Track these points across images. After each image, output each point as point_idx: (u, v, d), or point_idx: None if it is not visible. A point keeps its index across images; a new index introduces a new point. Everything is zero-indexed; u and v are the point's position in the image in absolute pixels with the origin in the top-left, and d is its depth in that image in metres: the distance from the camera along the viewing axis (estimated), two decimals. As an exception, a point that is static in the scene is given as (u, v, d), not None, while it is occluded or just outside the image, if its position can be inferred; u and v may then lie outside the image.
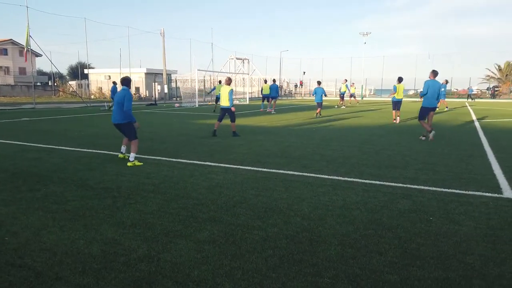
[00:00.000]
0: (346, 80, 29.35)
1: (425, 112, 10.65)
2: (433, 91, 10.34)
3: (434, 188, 5.48)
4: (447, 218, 4.27)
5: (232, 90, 11.08)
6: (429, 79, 10.53)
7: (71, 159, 7.45)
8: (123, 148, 7.68)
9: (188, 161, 7.30)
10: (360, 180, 5.93)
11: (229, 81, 11.27)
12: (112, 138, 10.51)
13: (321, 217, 4.27)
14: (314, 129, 13.31)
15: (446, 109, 24.34)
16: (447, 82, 23.08)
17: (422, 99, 10.75)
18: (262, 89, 22.83)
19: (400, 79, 16.06)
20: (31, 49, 25.74)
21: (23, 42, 24.37)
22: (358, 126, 14.78)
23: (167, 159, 7.52)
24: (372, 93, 59.67)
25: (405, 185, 5.65)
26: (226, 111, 11.22)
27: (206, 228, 3.90)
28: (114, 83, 21.09)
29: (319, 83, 19.01)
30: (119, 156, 7.64)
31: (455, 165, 7.13)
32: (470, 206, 4.68)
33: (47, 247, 3.43)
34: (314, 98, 18.56)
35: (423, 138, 10.67)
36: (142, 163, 6.99)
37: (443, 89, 23.63)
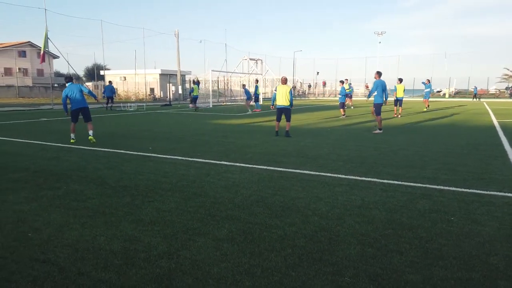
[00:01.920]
0: (347, 80, 29.76)
1: (379, 107, 12.14)
2: (382, 90, 12.10)
3: (454, 188, 5.38)
4: (469, 218, 4.18)
5: (291, 89, 11.18)
6: (375, 79, 12.39)
7: (90, 158, 7.57)
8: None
9: (204, 160, 7.34)
10: (378, 180, 5.86)
11: (285, 81, 11.32)
12: (129, 138, 10.65)
13: (339, 216, 4.24)
14: (329, 129, 13.22)
15: (425, 109, 23.76)
16: (429, 81, 23.08)
17: (374, 98, 12.28)
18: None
19: (400, 80, 18.95)
20: (48, 51, 26.24)
21: (41, 44, 24.85)
22: (373, 126, 14.63)
23: (184, 158, 7.57)
24: (388, 93, 58.92)
25: (424, 185, 5.56)
26: (283, 111, 11.11)
27: (224, 226, 3.91)
28: (110, 82, 26.51)
29: (342, 82, 19.70)
30: None
31: (475, 165, 6.99)
32: (492, 207, 4.58)
33: (69, 243, 3.49)
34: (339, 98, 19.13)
35: (379, 131, 11.99)
36: None
37: (428, 89, 23.37)
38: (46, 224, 3.96)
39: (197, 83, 25.26)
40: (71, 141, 9.59)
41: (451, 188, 5.39)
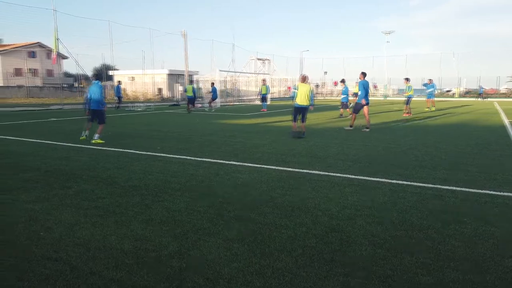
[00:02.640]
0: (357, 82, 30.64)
1: (359, 106, 12.62)
2: (366, 89, 12.48)
3: (466, 189, 5.32)
4: (482, 219, 4.13)
5: (312, 88, 11.22)
6: (360, 80, 12.79)
7: (100, 157, 7.62)
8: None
9: (213, 160, 7.35)
10: (387, 180, 5.82)
11: (305, 79, 11.04)
12: (137, 138, 10.70)
13: (350, 217, 4.21)
14: (338, 129, 13.16)
15: (427, 109, 23.47)
16: (431, 81, 23.42)
17: (357, 97, 12.84)
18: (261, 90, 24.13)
19: (407, 79, 19.68)
20: (58, 52, 26.50)
21: (50, 45, 25.18)
22: (383, 126, 14.54)
23: (193, 158, 7.59)
24: (396, 92, 58.62)
25: (435, 186, 5.51)
26: (301, 111, 10.78)
27: (234, 226, 3.91)
28: (119, 82, 27.27)
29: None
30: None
31: (487, 166, 6.90)
32: (506, 208, 4.52)
33: (80, 242, 3.52)
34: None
35: (367, 130, 12.43)
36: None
37: (432, 89, 23.33)
38: (57, 223, 3.99)
39: (190, 82, 25.28)
40: (81, 138, 9.78)
41: (463, 189, 5.33)
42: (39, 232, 3.76)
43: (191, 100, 22.05)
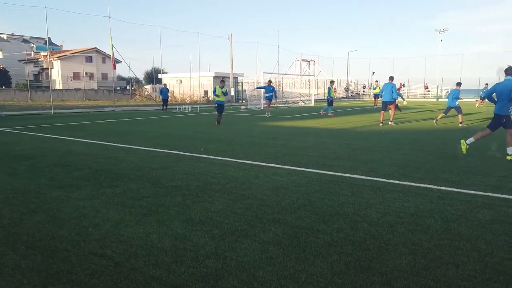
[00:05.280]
0: (377, 81, 30.94)
1: (384, 104, 15.16)
2: (387, 90, 14.87)
3: (521, 198, 4.95)
4: (538, 231, 3.83)
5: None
6: (387, 82, 15.22)
7: (146, 158, 7.96)
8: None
9: (253, 162, 7.41)
10: (435, 187, 5.56)
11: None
12: (182, 139, 11.04)
13: (390, 224, 4.08)
14: (384, 132, 12.76)
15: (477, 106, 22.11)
16: (459, 84, 21.42)
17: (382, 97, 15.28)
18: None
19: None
20: (115, 58, 28.07)
21: (106, 50, 26.82)
22: (434, 129, 13.90)
23: (234, 160, 7.70)
24: (449, 93, 55.75)
25: (486, 194, 5.18)
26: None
27: (270, 229, 3.93)
28: (165, 85, 27.98)
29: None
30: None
31: (547, 173, 6.38)
32: None
33: (124, 239, 3.70)
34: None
35: (392, 123, 15.09)
36: None
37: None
38: (104, 220, 4.23)
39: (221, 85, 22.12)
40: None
41: (517, 198, 4.97)
42: (88, 228, 4.00)
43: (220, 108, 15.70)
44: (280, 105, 34.82)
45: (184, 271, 3.05)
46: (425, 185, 5.65)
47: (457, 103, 14.83)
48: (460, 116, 15.08)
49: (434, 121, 15.66)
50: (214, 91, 15.40)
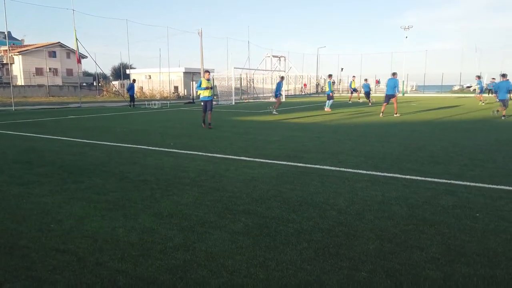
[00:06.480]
0: (354, 77, 31.90)
1: (386, 97, 16.74)
2: (390, 85, 16.48)
3: (481, 185, 5.17)
4: (496, 215, 4.00)
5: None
6: (391, 77, 16.70)
7: (113, 153, 7.73)
8: None
9: (224, 156, 7.36)
10: (400, 176, 5.71)
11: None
12: (151, 135, 10.82)
13: (358, 211, 4.15)
14: (353, 125, 13.01)
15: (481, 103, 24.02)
16: (479, 77, 23.36)
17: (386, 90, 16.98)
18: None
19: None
20: (79, 52, 27.07)
21: (70, 45, 25.89)
22: (400, 122, 14.30)
23: (204, 153, 7.62)
24: (414, 89, 57.60)
25: (449, 181, 5.37)
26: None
27: (240, 220, 3.90)
28: (134, 80, 28.18)
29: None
30: None
31: (504, 162, 6.70)
32: (521, 203, 4.36)
33: (88, 234, 3.57)
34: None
35: (398, 115, 16.65)
36: None
37: (478, 85, 23.78)
38: (68, 216, 4.06)
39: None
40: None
41: (477, 184, 5.19)
42: (50, 224, 3.83)
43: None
44: (252, 100, 34.81)
45: (151, 264, 2.97)
46: (391, 175, 5.79)
47: (508, 96, 14.85)
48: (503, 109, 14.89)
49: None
50: (199, 85, 12.20)
